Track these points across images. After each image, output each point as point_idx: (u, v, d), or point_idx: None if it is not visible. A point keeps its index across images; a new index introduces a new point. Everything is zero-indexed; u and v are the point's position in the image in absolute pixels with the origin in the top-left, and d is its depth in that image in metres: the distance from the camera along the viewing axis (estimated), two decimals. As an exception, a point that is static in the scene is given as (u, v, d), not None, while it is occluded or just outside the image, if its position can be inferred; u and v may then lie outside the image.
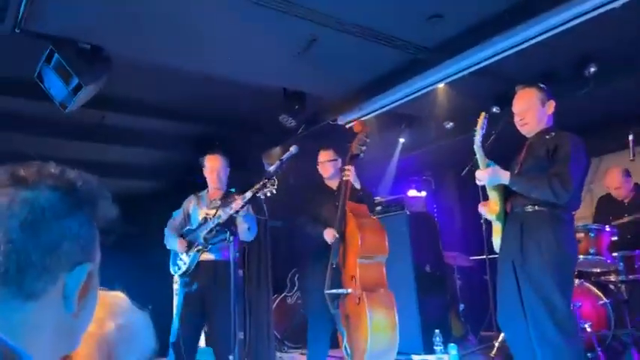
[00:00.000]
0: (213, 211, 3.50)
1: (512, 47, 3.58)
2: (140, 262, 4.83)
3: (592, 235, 3.77)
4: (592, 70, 3.89)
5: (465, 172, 4.56)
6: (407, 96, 4.32)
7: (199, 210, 3.74)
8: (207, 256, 3.50)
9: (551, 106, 2.59)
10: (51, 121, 4.69)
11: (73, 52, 3.48)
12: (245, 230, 3.46)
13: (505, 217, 2.65)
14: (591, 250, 3.74)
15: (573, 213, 2.60)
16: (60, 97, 3.66)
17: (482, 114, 2.61)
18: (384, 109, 4.66)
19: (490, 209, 2.67)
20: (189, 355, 3.38)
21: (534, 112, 2.58)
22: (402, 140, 5.54)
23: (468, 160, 4.66)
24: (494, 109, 4.36)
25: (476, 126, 2.64)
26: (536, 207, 2.47)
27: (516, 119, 2.64)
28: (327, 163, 3.89)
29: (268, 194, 3.00)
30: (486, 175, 2.56)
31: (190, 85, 4.57)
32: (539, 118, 2.58)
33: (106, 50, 3.62)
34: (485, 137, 2.72)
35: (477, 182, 2.63)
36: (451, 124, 5.01)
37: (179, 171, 6.40)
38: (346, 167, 3.60)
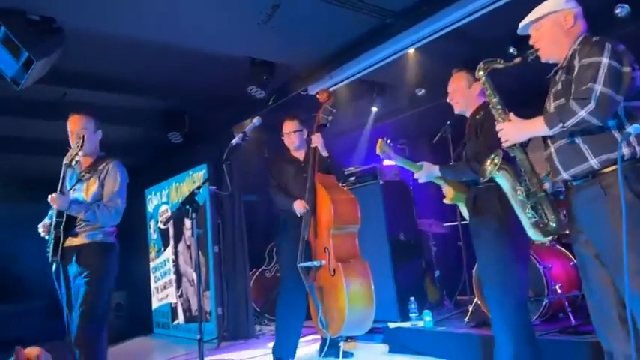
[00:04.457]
0: (83, 186, 3.00)
1: (481, 8, 3.50)
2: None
3: (562, 197, 3.77)
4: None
5: (436, 139, 4.54)
6: (377, 62, 4.22)
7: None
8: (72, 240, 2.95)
9: (476, 87, 2.79)
10: (7, 98, 4.48)
11: (21, 24, 3.27)
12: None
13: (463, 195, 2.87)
14: (562, 213, 3.75)
15: None
16: (11, 72, 3.47)
17: (380, 141, 2.94)
18: (355, 77, 4.56)
19: (446, 196, 2.91)
20: None
21: (460, 93, 2.84)
22: (374, 109, 5.47)
23: (440, 126, 4.64)
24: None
25: (379, 152, 2.95)
26: (486, 183, 2.65)
27: (448, 99, 2.91)
28: (292, 134, 3.76)
29: (75, 161, 2.77)
30: (422, 174, 2.84)
31: (155, 57, 4.39)
32: (466, 98, 2.84)
33: (57, 21, 3.42)
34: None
35: (419, 181, 2.90)
36: (423, 90, 4.94)
37: (146, 147, 6.24)
38: (313, 135, 3.50)
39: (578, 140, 1.93)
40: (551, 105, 2.07)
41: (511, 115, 2.16)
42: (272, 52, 4.35)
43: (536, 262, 3.62)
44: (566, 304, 3.51)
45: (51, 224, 2.96)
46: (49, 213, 3.12)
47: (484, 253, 2.66)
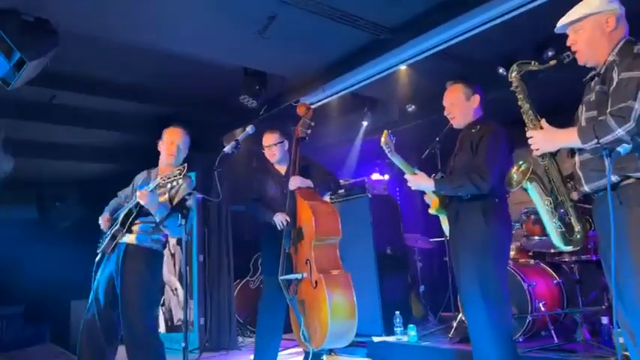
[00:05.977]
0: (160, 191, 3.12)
1: (473, 28, 3.57)
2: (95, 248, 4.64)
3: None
4: (550, 53, 3.91)
5: (425, 154, 4.58)
6: (369, 77, 4.27)
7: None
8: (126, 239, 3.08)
9: (475, 100, 2.76)
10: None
11: (15, 25, 3.25)
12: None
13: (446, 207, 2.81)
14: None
15: (507, 196, 2.70)
16: (1, 73, 3.44)
17: (385, 132, 2.81)
18: (347, 91, 4.60)
19: (431, 205, 2.84)
20: None
21: (459, 106, 2.76)
22: (365, 123, 5.51)
23: (429, 142, 4.69)
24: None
25: (384, 142, 2.79)
26: (469, 197, 2.63)
27: (445, 113, 2.84)
28: (273, 147, 3.70)
29: (175, 184, 2.85)
30: (414, 182, 2.75)
31: (147, 63, 4.38)
32: (465, 112, 2.76)
33: (51, 23, 3.40)
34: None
35: (412, 188, 2.80)
36: (413, 107, 4.99)
37: (136, 153, 6.18)
38: (292, 178, 3.46)
39: (605, 156, 1.84)
40: (583, 114, 2.01)
41: (543, 122, 2.08)
42: (266, 62, 4.37)
43: (521, 279, 3.65)
44: (550, 322, 3.54)
45: (113, 220, 3.13)
46: (105, 209, 3.28)
47: (467, 267, 2.59)
